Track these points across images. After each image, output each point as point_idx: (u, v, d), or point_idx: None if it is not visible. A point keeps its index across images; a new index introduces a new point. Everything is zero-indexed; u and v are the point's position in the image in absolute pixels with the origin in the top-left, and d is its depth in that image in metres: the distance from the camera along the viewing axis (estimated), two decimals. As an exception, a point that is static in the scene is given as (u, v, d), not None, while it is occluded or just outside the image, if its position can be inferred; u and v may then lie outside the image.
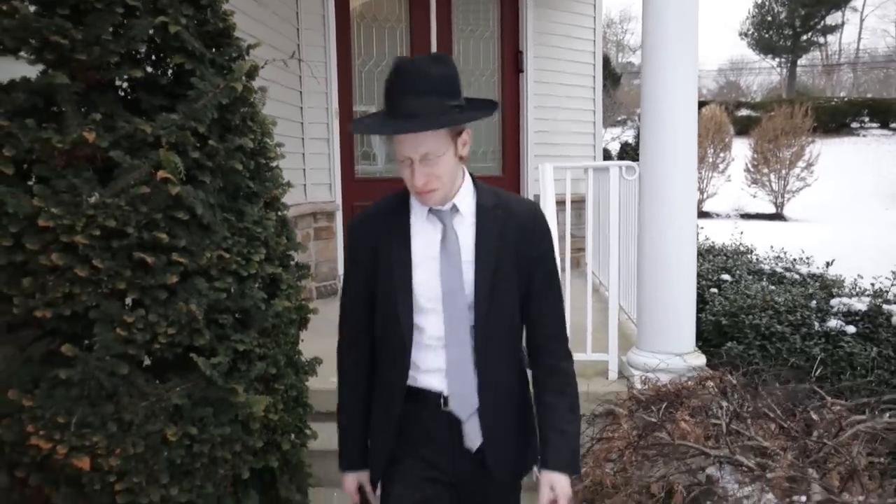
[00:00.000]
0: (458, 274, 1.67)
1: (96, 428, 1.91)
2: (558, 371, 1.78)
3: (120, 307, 2.00)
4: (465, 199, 1.71)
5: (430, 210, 1.70)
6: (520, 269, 1.71)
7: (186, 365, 2.07)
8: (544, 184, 4.20)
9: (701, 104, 4.02)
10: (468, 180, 1.74)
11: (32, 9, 2.09)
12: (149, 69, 2.29)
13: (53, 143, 1.98)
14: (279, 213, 2.51)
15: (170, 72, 2.34)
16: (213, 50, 2.36)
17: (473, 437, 1.74)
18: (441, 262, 1.67)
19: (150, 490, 1.94)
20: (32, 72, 2.18)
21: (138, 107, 2.24)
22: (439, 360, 1.70)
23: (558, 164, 4.41)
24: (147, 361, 2.11)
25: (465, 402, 1.71)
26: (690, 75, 3.62)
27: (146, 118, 2.12)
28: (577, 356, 3.78)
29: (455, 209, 1.70)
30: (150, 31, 2.20)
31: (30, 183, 2.04)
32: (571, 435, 1.74)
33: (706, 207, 15.07)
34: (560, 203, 4.07)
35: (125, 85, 2.28)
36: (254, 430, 2.15)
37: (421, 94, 1.56)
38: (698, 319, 3.90)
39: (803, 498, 2.37)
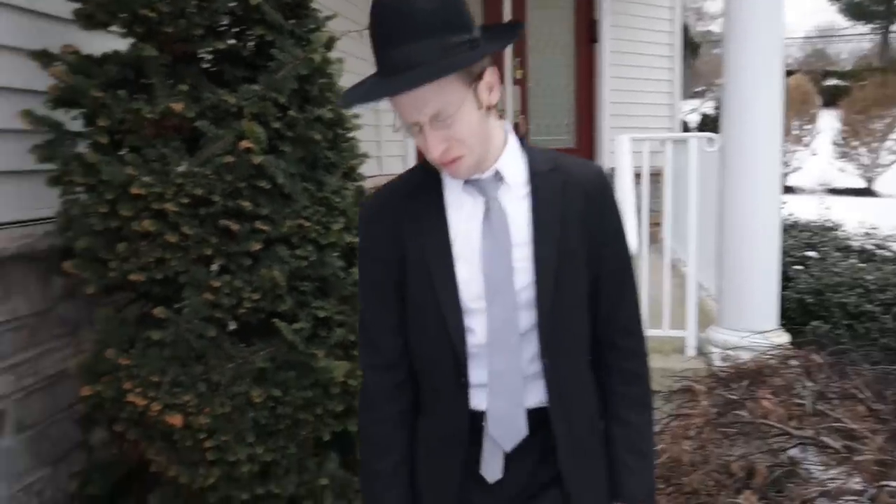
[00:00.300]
0: (505, 261, 1.29)
1: (187, 387, 1.99)
2: (637, 378, 1.41)
3: (207, 272, 2.07)
4: (512, 162, 1.33)
5: (467, 181, 1.32)
6: (589, 250, 1.33)
7: (269, 330, 2.13)
8: (621, 156, 4.11)
9: (786, 73, 3.85)
10: (512, 140, 1.35)
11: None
12: (231, 41, 2.34)
13: (144, 113, 2.05)
14: (356, 183, 2.54)
15: (250, 43, 2.39)
16: (292, 21, 2.39)
17: (494, 466, 1.35)
18: (484, 247, 1.30)
19: (238, 448, 2.02)
20: (123, 45, 2.26)
21: (221, 78, 2.29)
22: (481, 372, 1.33)
23: (635, 135, 4.31)
24: (232, 326, 2.18)
25: (509, 426, 1.33)
26: (776, 41, 3.47)
27: (229, 89, 2.18)
28: (653, 332, 3.76)
29: (499, 177, 1.32)
30: (232, 4, 2.24)
31: (122, 152, 2.12)
32: (652, 458, 1.42)
33: (790, 182, 14.50)
34: (636, 176, 3.98)
35: (208, 57, 2.34)
36: (334, 394, 2.20)
37: (412, 36, 1.19)
38: (782, 297, 3.77)
39: (894, 483, 2.28)
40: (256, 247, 2.10)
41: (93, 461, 2.54)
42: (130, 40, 2.22)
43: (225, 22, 2.28)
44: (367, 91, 1.26)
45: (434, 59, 1.19)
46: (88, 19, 2.16)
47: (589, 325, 1.39)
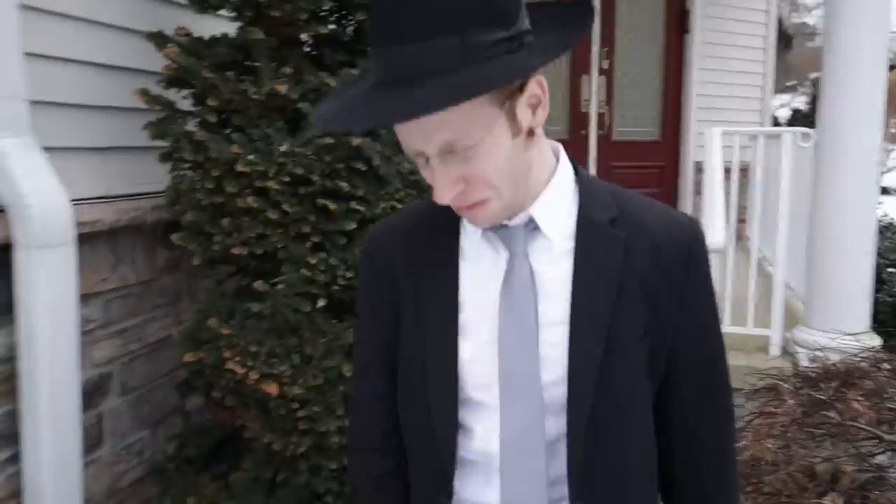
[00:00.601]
0: (527, 345, 0.92)
1: (282, 358, 2.08)
2: None
3: (304, 249, 2.14)
4: (555, 205, 0.94)
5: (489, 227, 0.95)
6: (659, 337, 0.94)
7: (360, 307, 2.20)
8: (711, 150, 4.02)
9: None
10: (563, 172, 0.96)
11: (234, -31, 2.25)
12: (331, 26, 2.40)
13: (250, 94, 2.14)
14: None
15: (349, 28, 2.45)
16: (391, 7, 2.43)
17: None
18: (501, 323, 0.93)
19: (327, 419, 2.10)
20: (230, 28, 2.36)
21: (321, 62, 2.36)
22: (488, 491, 0.96)
23: (727, 129, 4.22)
24: (321, 302, 2.25)
25: None
26: (882, 29, 3.33)
27: (329, 72, 2.24)
28: (737, 329, 3.70)
29: (533, 225, 0.94)
30: (336, -11, 2.30)
31: (227, 131, 2.22)
32: None
33: (885, 182, 13.88)
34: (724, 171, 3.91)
35: (310, 41, 2.42)
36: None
37: (423, 29, 0.79)
38: (874, 300, 3.63)
39: None
40: (352, 226, 2.16)
41: (188, 425, 2.68)
42: (238, 24, 2.31)
43: (326, 7, 2.34)
44: (347, 114, 0.87)
45: (452, 66, 0.79)
46: (201, 3, 2.26)
47: (649, 446, 0.98)
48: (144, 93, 2.23)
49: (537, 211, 0.93)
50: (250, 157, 2.10)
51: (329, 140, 2.12)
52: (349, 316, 2.20)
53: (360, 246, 2.17)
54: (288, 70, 2.20)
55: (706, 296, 0.98)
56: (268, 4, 2.17)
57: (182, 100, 2.33)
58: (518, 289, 0.92)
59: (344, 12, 2.43)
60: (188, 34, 2.29)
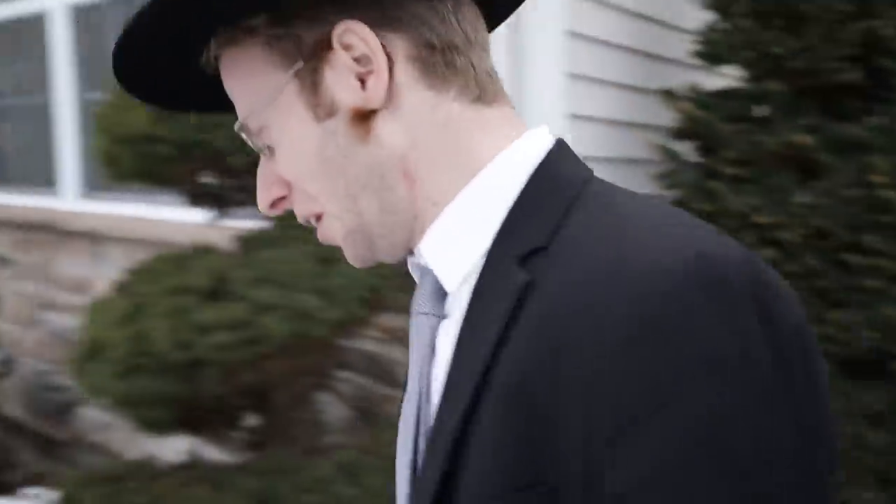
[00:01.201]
0: (403, 476, 0.60)
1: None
2: None
3: (822, 305, 2.06)
4: (464, 236, 0.57)
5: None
6: (562, 494, 0.45)
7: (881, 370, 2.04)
8: None
9: None
10: (501, 171, 0.56)
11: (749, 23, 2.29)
12: (848, 74, 2.30)
13: (767, 145, 2.14)
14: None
15: (866, 75, 2.32)
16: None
17: None
18: (400, 430, 0.63)
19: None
20: (727, 83, 2.40)
21: (836, 110, 2.27)
22: None
23: None
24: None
25: None
26: None
27: (850, 121, 2.15)
28: None
29: (430, 277, 0.60)
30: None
31: (738, 182, 2.25)
32: None
33: None
34: None
35: (825, 89, 2.34)
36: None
37: None
38: None
39: None
40: (875, 283, 2.03)
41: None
42: (744, 76, 2.34)
43: (847, 54, 2.26)
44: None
45: None
46: (712, 59, 2.35)
47: None
48: (661, 147, 2.37)
49: (428, 245, 0.58)
50: (766, 208, 2.09)
51: (854, 192, 2.03)
52: (870, 377, 2.06)
53: (886, 304, 2.02)
54: (805, 121, 2.16)
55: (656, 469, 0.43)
56: (786, 56, 2.16)
57: (688, 152, 2.42)
58: (414, 377, 0.59)
59: (861, 58, 2.32)
60: (698, 90, 2.38)
